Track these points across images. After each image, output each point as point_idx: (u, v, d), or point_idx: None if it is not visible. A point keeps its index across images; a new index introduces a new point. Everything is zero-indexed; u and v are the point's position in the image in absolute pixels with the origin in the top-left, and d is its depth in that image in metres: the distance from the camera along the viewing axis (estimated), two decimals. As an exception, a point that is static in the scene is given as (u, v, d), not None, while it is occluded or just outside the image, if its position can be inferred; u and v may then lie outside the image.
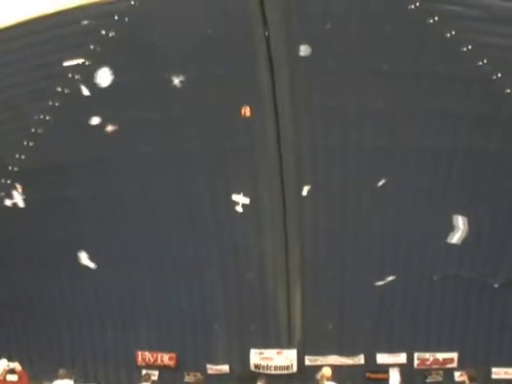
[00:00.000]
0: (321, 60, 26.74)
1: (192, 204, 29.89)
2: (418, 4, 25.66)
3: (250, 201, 28.84)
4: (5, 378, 11.50)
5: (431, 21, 25.97)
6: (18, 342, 32.56)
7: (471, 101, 27.67)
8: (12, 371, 13.13)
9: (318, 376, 11.75)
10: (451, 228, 29.40)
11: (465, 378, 11.94)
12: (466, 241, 29.21)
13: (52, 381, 15.57)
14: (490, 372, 29.65)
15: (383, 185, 28.71)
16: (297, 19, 26.13)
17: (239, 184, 29.12)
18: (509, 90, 27.11)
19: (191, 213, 29.92)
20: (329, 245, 29.91)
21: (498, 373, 30.11)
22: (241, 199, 27.08)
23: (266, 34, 26.72)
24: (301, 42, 26.33)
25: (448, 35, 26.14)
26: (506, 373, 30.22)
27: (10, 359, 17.69)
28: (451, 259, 29.98)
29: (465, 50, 26.27)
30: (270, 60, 27.24)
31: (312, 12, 25.97)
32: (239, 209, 27.05)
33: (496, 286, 29.97)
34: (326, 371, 12.06)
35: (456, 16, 25.88)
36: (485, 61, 26.46)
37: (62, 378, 15.14)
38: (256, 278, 30.76)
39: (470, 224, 29.33)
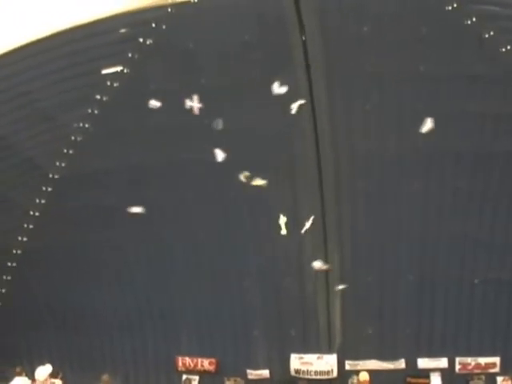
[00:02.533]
0: (358, 63, 26.71)
1: (230, 213, 29.90)
2: (455, 5, 25.54)
3: (290, 206, 28.91)
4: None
5: (469, 22, 25.81)
6: (59, 349, 32.81)
7: (510, 102, 27.40)
8: (54, 376, 13.24)
9: (354, 380, 11.62)
10: (492, 231, 29.30)
11: (508, 382, 11.76)
12: (507, 243, 29.11)
13: (94, 386, 15.75)
14: (533, 377, 29.24)
15: (422, 188, 28.60)
16: (333, 22, 26.12)
17: (277, 190, 29.20)
18: (549, 91, 26.87)
19: (229, 221, 29.95)
20: (368, 249, 29.77)
21: (541, 377, 29.73)
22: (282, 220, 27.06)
23: (303, 38, 26.74)
24: (338, 46, 26.39)
25: (486, 36, 25.97)
26: (550, 377, 29.83)
27: (52, 365, 17.86)
28: (492, 262, 29.69)
29: (504, 50, 26.07)
30: (308, 65, 27.25)
31: (348, 15, 25.95)
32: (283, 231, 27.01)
33: (539, 289, 29.63)
34: (363, 376, 11.95)
35: (494, 16, 25.71)
36: (523, 61, 26.24)
37: (104, 383, 15.23)
38: (295, 283, 30.71)
39: (511, 227, 29.21)
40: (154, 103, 25.19)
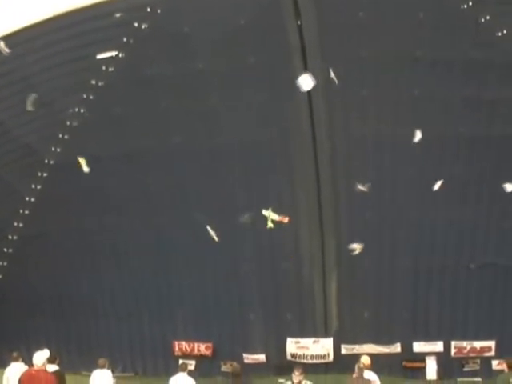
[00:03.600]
0: (354, 48, 26.62)
1: (228, 199, 29.90)
2: (451, -10, 25.43)
3: (286, 192, 28.94)
4: (45, 368, 11.70)
5: (465, 6, 25.69)
6: (57, 333, 32.87)
7: (507, 86, 27.33)
8: (52, 361, 13.29)
9: (360, 365, 11.70)
10: (488, 216, 29.30)
11: (503, 366, 11.82)
12: (503, 229, 29.15)
13: (90, 371, 15.71)
14: (528, 360, 29.28)
15: (419, 175, 28.58)
16: (329, 7, 25.99)
17: (275, 178, 29.23)
18: (546, 74, 26.78)
19: (227, 208, 29.93)
20: (364, 234, 29.71)
21: (536, 361, 29.77)
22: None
23: (299, 23, 26.63)
24: (334, 31, 26.28)
25: (482, 20, 25.86)
26: (545, 361, 29.87)
27: (49, 350, 17.86)
28: (488, 247, 29.76)
29: (499, 34, 25.96)
30: (303, 49, 27.16)
31: (344, 0, 25.84)
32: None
33: (535, 273, 29.68)
34: (365, 360, 12.01)
35: (490, 1, 25.57)
36: (521, 45, 26.15)
37: (101, 367, 15.25)
38: (292, 268, 30.78)
39: (508, 213, 29.21)
40: None
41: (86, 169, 26.64)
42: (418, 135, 24.93)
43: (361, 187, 26.54)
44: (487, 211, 29.41)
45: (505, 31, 25.79)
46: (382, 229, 29.68)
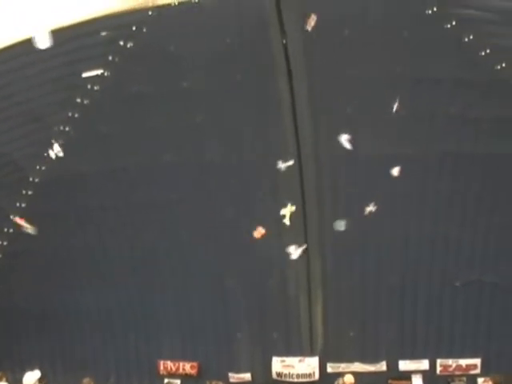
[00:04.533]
0: (339, 67, 26.77)
1: (214, 213, 29.90)
2: (435, 9, 25.61)
3: (271, 208, 28.98)
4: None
5: (449, 25, 25.90)
6: (42, 352, 32.66)
7: (490, 105, 27.55)
8: (42, 381, 13.16)
9: (340, 382, 11.64)
10: (474, 233, 29.45)
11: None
12: (489, 245, 29.30)
13: (75, 390, 15.63)
14: (514, 378, 29.38)
15: (404, 189, 28.71)
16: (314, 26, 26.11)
17: (260, 195, 29.31)
18: (529, 95, 27.01)
19: (212, 222, 29.95)
20: (350, 251, 29.87)
21: (522, 379, 29.88)
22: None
23: (284, 42, 26.77)
24: (318, 49, 26.44)
25: (466, 39, 26.08)
26: (530, 379, 29.98)
27: (32, 369, 17.78)
28: (474, 264, 29.85)
29: (483, 54, 26.18)
30: (289, 68, 27.29)
31: (329, 19, 25.98)
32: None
33: (520, 291, 29.80)
34: (348, 379, 11.95)
35: (474, 20, 25.78)
36: (503, 65, 26.35)
37: (86, 387, 15.17)
38: (277, 286, 30.76)
39: (493, 229, 29.37)
40: None
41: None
42: (396, 170, 25.21)
43: None
44: (472, 228, 29.54)
45: (488, 51, 25.98)
46: (366, 246, 29.75)
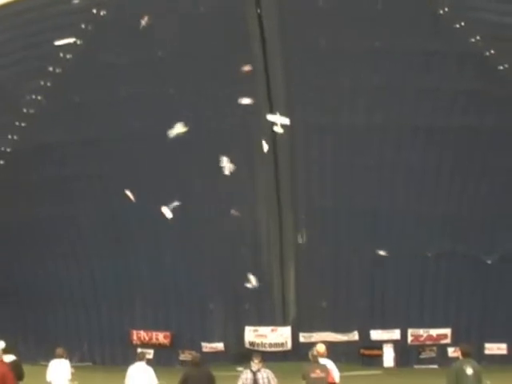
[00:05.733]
0: (314, 38, 26.69)
1: (185, 181, 29.81)
2: (410, -19, 25.60)
3: (245, 180, 28.98)
4: (2, 359, 11.50)
5: (424, -2, 25.92)
6: (14, 324, 32.48)
7: (465, 78, 27.65)
8: (8, 351, 13.10)
9: (314, 353, 11.71)
10: (445, 205, 29.64)
11: (458, 353, 11.95)
12: (460, 218, 29.52)
13: (48, 361, 15.57)
14: (483, 348, 29.80)
15: (376, 163, 28.81)
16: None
17: (234, 161, 29.18)
18: (501, 67, 27.08)
19: (184, 192, 29.80)
20: (322, 222, 29.96)
21: (491, 348, 30.31)
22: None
23: (259, 11, 26.60)
24: (293, 20, 26.32)
25: (441, 12, 26.07)
26: (498, 348, 30.44)
27: (6, 340, 17.67)
28: (445, 236, 30.08)
29: (458, 26, 26.20)
30: (263, 37, 27.15)
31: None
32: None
33: (490, 262, 30.09)
34: (320, 347, 12.02)
35: (449, -8, 25.84)
36: (478, 37, 26.41)
37: (59, 357, 15.08)
38: (251, 257, 30.83)
39: (465, 202, 29.57)
40: None
41: None
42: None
43: None
44: (444, 200, 29.72)
45: (463, 23, 26.00)
46: (339, 218, 29.87)
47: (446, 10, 25.91)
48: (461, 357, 11.76)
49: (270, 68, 27.83)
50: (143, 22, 25.26)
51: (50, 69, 28.06)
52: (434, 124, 28.49)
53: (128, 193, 27.33)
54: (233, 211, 27.87)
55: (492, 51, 26.76)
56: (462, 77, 27.73)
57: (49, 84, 28.42)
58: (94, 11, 26.72)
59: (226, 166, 25.26)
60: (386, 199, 29.44)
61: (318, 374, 11.81)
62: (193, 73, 27.74)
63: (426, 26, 26.50)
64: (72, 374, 15.18)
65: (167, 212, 25.16)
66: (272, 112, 28.35)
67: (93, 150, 29.65)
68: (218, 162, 28.83)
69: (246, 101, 26.98)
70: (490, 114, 28.40)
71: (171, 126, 28.55)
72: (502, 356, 30.03)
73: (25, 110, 29.13)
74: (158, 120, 28.72)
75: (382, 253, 29.16)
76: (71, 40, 27.10)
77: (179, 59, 27.42)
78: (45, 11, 26.39)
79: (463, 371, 11.42)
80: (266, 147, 28.15)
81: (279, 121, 26.26)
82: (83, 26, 27.00)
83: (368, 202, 29.32)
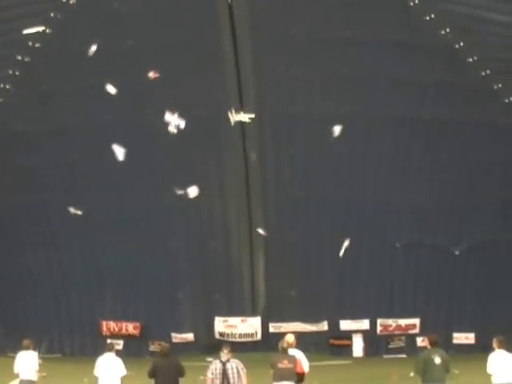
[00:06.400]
0: (284, 26, 26.68)
1: (158, 175, 29.71)
2: (381, -28, 25.65)
3: (214, 170, 28.94)
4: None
5: (395, -12, 25.99)
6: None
7: (434, 69, 27.83)
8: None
9: (284, 344, 11.75)
10: (414, 196, 29.84)
11: (426, 343, 12.07)
12: (429, 209, 29.74)
13: (17, 352, 15.47)
14: (451, 337, 30.12)
15: (348, 152, 28.92)
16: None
17: (203, 157, 29.20)
18: (471, 59, 27.28)
19: (155, 182, 29.73)
20: (292, 213, 30.05)
21: (459, 338, 30.67)
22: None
23: (229, 1, 26.55)
24: (264, 10, 26.27)
25: (411, 4, 26.19)
26: (466, 338, 30.78)
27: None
28: (414, 227, 30.31)
29: (428, 18, 26.35)
30: (233, 26, 27.09)
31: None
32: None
33: (457, 253, 30.38)
34: (289, 338, 12.07)
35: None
36: (447, 30, 26.57)
37: (26, 348, 14.98)
38: (220, 247, 30.86)
39: (434, 192, 29.79)
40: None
41: None
42: (337, 130, 25.22)
43: None
44: (414, 191, 29.92)
45: (432, 15, 26.14)
46: (309, 207, 29.99)
47: (417, 1, 26.03)
48: (429, 346, 11.90)
49: (240, 57, 27.78)
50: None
51: (19, 57, 27.75)
52: (404, 115, 28.66)
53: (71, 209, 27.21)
54: (200, 199, 27.70)
55: (461, 43, 26.93)
56: (431, 68, 27.91)
57: (17, 73, 28.14)
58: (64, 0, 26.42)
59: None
60: (357, 189, 29.62)
61: (285, 364, 11.87)
62: (163, 63, 27.57)
63: (397, 18, 26.62)
64: (40, 365, 15.07)
65: (119, 152, 24.45)
66: (241, 102, 28.38)
67: (62, 139, 29.42)
68: (188, 153, 28.84)
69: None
70: (459, 106, 28.63)
71: (141, 116, 28.50)
72: (469, 345, 30.34)
73: (-8, 99, 28.89)
74: (128, 110, 28.61)
75: (346, 243, 29.30)
76: (40, 29, 26.77)
77: (150, 49, 27.25)
78: (13, -1, 26.04)
79: (431, 360, 11.56)
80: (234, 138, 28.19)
81: (244, 118, 26.35)
82: (52, 14, 26.70)
83: (338, 192, 29.45)
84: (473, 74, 27.57)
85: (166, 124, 22.66)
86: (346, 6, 26.28)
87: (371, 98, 28.27)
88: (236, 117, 26.18)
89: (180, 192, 25.85)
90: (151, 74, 24.32)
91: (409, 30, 26.91)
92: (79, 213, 27.67)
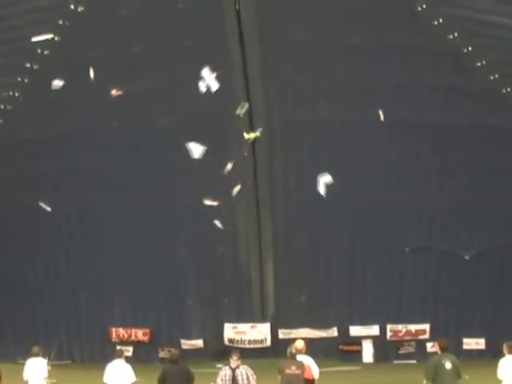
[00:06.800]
0: (292, 33, 26.70)
1: (164, 178, 29.76)
2: (389, -22, 25.65)
3: (223, 175, 28.91)
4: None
5: (402, -7, 25.97)
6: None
7: (442, 74, 27.79)
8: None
9: (293, 349, 11.70)
10: (423, 201, 29.80)
11: (436, 348, 12.02)
12: (437, 213, 29.68)
13: (27, 359, 15.48)
14: (461, 342, 30.02)
15: (355, 158, 28.89)
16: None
17: (212, 159, 29.15)
18: (479, 64, 27.24)
19: (163, 187, 29.79)
20: (300, 218, 30.04)
21: (468, 343, 30.56)
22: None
23: (237, 7, 26.57)
24: (272, 16, 26.31)
25: (419, 9, 26.16)
26: (476, 343, 30.66)
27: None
28: (422, 231, 30.24)
29: (435, 23, 26.32)
30: (241, 33, 27.13)
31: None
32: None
33: (467, 258, 30.29)
34: (299, 344, 12.03)
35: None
36: (456, 34, 26.53)
37: (35, 355, 14.99)
38: (229, 253, 30.85)
39: (442, 197, 29.73)
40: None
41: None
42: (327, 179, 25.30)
43: None
44: (422, 195, 29.88)
45: (441, 20, 26.12)
46: (317, 213, 29.89)
47: (424, 6, 25.99)
48: (439, 351, 11.86)
49: (248, 64, 27.81)
50: None
51: (28, 65, 27.85)
52: (411, 119, 28.60)
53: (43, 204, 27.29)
54: (209, 204, 27.72)
55: (469, 48, 26.88)
56: (439, 73, 27.89)
57: (26, 80, 28.25)
58: (72, 7, 26.49)
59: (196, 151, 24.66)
60: (365, 194, 29.54)
61: (293, 370, 11.87)
62: (169, 68, 27.70)
63: (404, 23, 26.58)
64: (49, 371, 15.08)
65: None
66: (250, 108, 28.39)
67: (69, 145, 29.52)
68: (197, 158, 28.80)
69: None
70: (466, 110, 28.56)
71: (147, 122, 28.59)
72: (479, 351, 30.25)
73: (2, 107, 28.96)
74: (135, 116, 28.68)
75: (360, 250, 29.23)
76: (49, 36, 26.87)
77: (156, 55, 27.33)
78: (21, 7, 26.10)
79: (442, 365, 11.51)
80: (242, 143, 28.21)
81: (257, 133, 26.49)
82: (61, 22, 26.78)
83: (346, 197, 29.38)
84: (481, 78, 27.50)
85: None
86: (352, 11, 26.26)
87: (378, 102, 28.18)
88: (250, 135, 26.34)
89: (209, 202, 26.04)
90: (114, 92, 24.48)
91: (416, 34, 26.86)
92: (48, 209, 27.35)
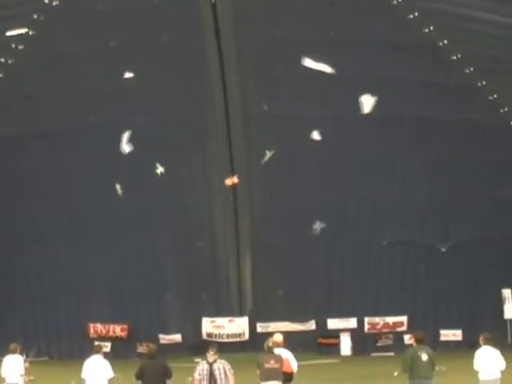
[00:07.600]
0: (268, 28, 26.71)
1: (142, 173, 29.67)
2: (365, -29, 25.71)
3: (201, 172, 28.94)
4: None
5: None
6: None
7: (421, 69, 27.92)
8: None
9: (270, 343, 11.70)
10: (400, 194, 29.94)
11: (412, 340, 12.12)
12: (416, 207, 29.84)
13: (4, 356, 15.36)
14: (438, 334, 30.25)
15: (333, 151, 28.96)
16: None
17: (189, 156, 29.18)
18: (455, 57, 27.38)
19: (142, 183, 29.69)
20: (278, 213, 30.05)
21: (446, 335, 30.79)
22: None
23: (213, 1, 26.55)
24: (247, 11, 26.29)
25: (395, 2, 26.27)
26: (453, 335, 30.89)
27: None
28: (400, 225, 30.38)
29: (411, 17, 26.44)
30: (217, 29, 27.10)
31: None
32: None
33: (444, 250, 30.49)
34: (277, 337, 12.02)
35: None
36: (431, 28, 26.65)
37: (13, 352, 14.88)
38: (207, 249, 30.84)
39: (419, 191, 29.87)
40: None
41: None
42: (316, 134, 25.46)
43: None
44: (399, 189, 30.01)
45: (416, 14, 26.22)
46: (295, 207, 29.98)
47: (400, 0, 26.09)
48: (415, 344, 11.94)
49: (225, 59, 27.79)
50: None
51: (2, 60, 27.67)
52: (389, 114, 28.65)
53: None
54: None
55: (445, 41, 27.03)
56: (417, 67, 28.03)
57: (0, 75, 28.04)
58: (46, 1, 26.34)
59: None
60: (342, 188, 29.61)
61: (271, 364, 11.86)
62: (146, 64, 27.62)
63: (381, 17, 26.68)
64: (26, 368, 14.99)
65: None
66: (226, 103, 28.43)
67: (46, 142, 29.35)
68: (175, 155, 28.80)
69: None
70: (445, 105, 28.72)
71: (126, 119, 28.49)
72: (456, 342, 30.49)
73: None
74: (113, 112, 28.57)
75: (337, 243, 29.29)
76: (23, 30, 26.70)
77: (133, 50, 27.25)
78: (-5, 1, 25.94)
79: (418, 357, 11.60)
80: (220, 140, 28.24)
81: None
82: (35, 16, 26.62)
83: (324, 192, 29.45)
84: (458, 72, 27.66)
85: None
86: (329, 6, 26.30)
87: (356, 98, 28.26)
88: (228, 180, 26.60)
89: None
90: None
91: (393, 28, 26.98)
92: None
